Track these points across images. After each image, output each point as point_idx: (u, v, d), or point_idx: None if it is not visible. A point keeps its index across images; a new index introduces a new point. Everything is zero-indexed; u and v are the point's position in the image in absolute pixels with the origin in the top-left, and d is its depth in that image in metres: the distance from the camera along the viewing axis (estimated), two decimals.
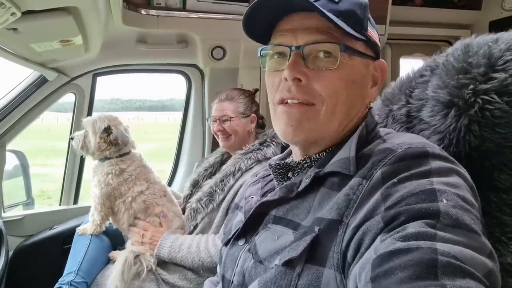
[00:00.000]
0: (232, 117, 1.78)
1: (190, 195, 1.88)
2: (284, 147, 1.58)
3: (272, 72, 0.78)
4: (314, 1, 0.70)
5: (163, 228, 1.71)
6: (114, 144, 1.78)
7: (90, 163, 1.91)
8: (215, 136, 1.87)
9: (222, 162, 1.92)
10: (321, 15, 0.67)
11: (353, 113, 0.76)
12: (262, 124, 1.91)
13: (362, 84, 0.76)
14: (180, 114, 2.74)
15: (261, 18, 0.75)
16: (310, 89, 0.72)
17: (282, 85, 0.75)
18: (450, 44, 0.88)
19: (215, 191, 1.68)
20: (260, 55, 0.80)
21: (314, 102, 0.72)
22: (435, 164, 0.61)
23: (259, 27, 0.78)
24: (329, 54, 0.71)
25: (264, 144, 1.73)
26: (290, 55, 0.72)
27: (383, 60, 0.80)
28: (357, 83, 0.74)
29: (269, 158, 1.64)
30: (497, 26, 2.58)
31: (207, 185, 1.74)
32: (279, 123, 0.77)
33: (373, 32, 0.77)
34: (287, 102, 0.74)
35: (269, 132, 1.80)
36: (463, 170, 0.63)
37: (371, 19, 0.78)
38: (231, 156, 1.86)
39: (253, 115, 1.81)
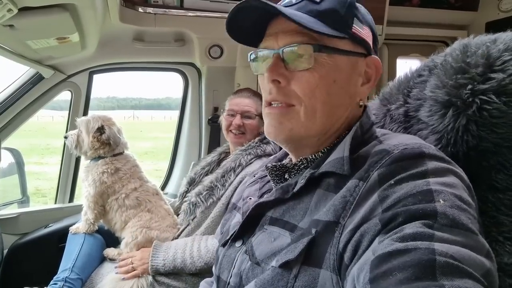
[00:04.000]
0: (253, 114, 1.78)
1: (186, 193, 1.87)
2: None
3: (261, 75, 0.79)
4: (296, 3, 0.73)
5: (148, 248, 1.66)
6: (106, 143, 1.79)
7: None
8: (225, 129, 1.85)
9: (220, 161, 1.92)
10: (286, 19, 0.68)
11: (339, 112, 0.76)
12: None
13: (347, 83, 0.76)
14: (176, 113, 2.73)
15: (246, 22, 0.76)
16: (288, 91, 0.74)
17: (267, 88, 0.77)
18: (447, 44, 0.89)
19: (216, 186, 1.67)
20: (250, 59, 0.81)
21: (293, 103, 0.74)
22: (432, 164, 0.61)
23: (249, 33, 0.79)
24: (303, 55, 0.72)
25: (264, 141, 1.74)
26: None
27: (376, 56, 0.79)
28: (340, 82, 0.74)
29: (268, 154, 1.64)
30: (493, 27, 2.60)
31: (208, 179, 1.74)
32: (265, 124, 0.80)
33: (361, 29, 0.76)
34: (271, 104, 0.77)
35: None
36: (459, 170, 0.63)
37: (364, 16, 0.78)
38: (229, 154, 1.86)
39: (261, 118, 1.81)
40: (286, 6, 0.75)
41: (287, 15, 0.67)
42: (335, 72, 0.73)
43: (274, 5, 0.69)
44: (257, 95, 1.86)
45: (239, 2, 0.71)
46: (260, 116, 1.81)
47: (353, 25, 0.74)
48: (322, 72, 0.72)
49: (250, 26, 0.77)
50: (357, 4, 0.77)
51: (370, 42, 0.78)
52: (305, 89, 0.72)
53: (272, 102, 0.76)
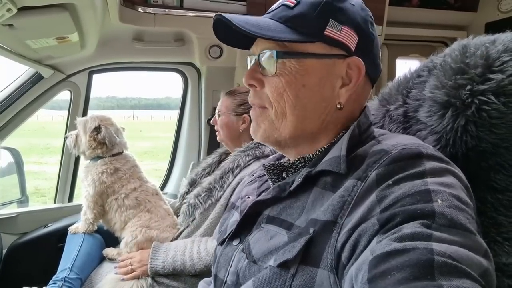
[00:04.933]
0: (221, 112, 1.79)
1: (187, 193, 1.87)
2: None
3: None
4: (273, 10, 0.77)
5: (147, 249, 1.66)
6: (103, 143, 1.80)
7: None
8: None
9: (220, 162, 1.92)
10: (239, 30, 0.71)
11: (313, 115, 0.76)
12: None
13: (321, 86, 0.74)
14: (175, 113, 2.73)
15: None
16: (262, 94, 0.78)
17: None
18: (446, 45, 0.89)
19: (214, 187, 1.67)
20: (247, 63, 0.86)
21: (266, 105, 0.78)
22: (429, 164, 0.61)
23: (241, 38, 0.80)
24: (270, 61, 0.75)
25: None
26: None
27: (357, 57, 0.75)
28: (310, 86, 0.73)
29: (267, 155, 1.63)
30: (493, 27, 2.61)
31: (206, 181, 1.74)
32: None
33: (338, 31, 0.73)
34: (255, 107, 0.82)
35: None
36: (457, 170, 0.63)
37: (349, 15, 0.74)
38: (229, 155, 1.86)
39: (246, 115, 1.77)
40: (267, 13, 0.79)
41: (237, 25, 0.70)
42: (303, 77, 0.73)
43: (229, 18, 0.72)
44: (233, 93, 1.84)
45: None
46: (231, 112, 1.79)
47: (328, 27, 0.72)
48: (289, 77, 0.73)
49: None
50: (344, 4, 0.75)
51: (352, 43, 0.74)
52: (274, 93, 0.75)
53: (252, 105, 0.82)
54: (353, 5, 0.76)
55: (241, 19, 0.72)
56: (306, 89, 0.74)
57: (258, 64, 0.77)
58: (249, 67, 0.83)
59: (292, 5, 0.74)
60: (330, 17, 0.73)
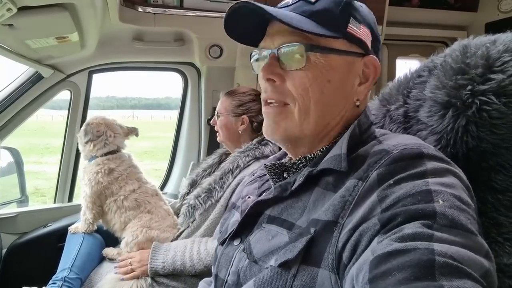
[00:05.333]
0: (220, 113, 1.79)
1: (187, 194, 1.87)
2: None
3: (259, 74, 0.80)
4: (292, 4, 0.75)
5: (147, 250, 1.66)
6: (89, 140, 1.82)
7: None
8: None
9: (220, 163, 1.91)
10: (275, 19, 0.70)
11: (334, 112, 0.77)
12: (257, 127, 1.82)
13: (343, 82, 0.76)
14: (175, 113, 2.73)
15: (249, 24, 0.77)
16: (282, 89, 0.75)
17: (263, 87, 0.79)
18: (447, 45, 0.89)
19: (214, 188, 1.67)
20: (252, 59, 0.83)
21: (288, 101, 0.76)
22: (431, 164, 0.61)
23: (251, 32, 0.80)
24: (296, 54, 0.73)
25: (262, 143, 1.73)
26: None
27: (374, 56, 0.79)
28: (334, 82, 0.74)
29: (267, 156, 1.63)
30: (493, 27, 2.60)
31: (206, 182, 1.73)
32: (263, 123, 0.82)
33: (358, 29, 0.75)
34: (269, 103, 0.79)
35: None
36: (458, 171, 0.63)
37: (364, 15, 0.77)
38: (229, 156, 1.85)
39: (245, 116, 1.76)
40: (282, 7, 0.76)
41: (275, 15, 0.68)
42: (328, 72, 0.73)
43: (261, 6, 0.70)
44: (232, 94, 1.83)
45: (232, 4, 0.72)
46: (230, 113, 1.78)
47: (349, 24, 0.74)
48: (315, 72, 0.73)
49: (252, 26, 0.78)
50: (357, 4, 0.77)
51: (368, 42, 0.78)
52: (298, 88, 0.74)
53: (269, 101, 0.78)
54: (362, 6, 0.79)
55: (271, 10, 0.71)
56: (330, 85, 0.74)
57: (275, 58, 0.75)
58: (253, 63, 0.82)
59: (313, 0, 0.74)
60: (351, 15, 0.74)
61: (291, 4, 0.75)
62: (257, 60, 0.81)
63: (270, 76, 0.75)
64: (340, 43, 0.74)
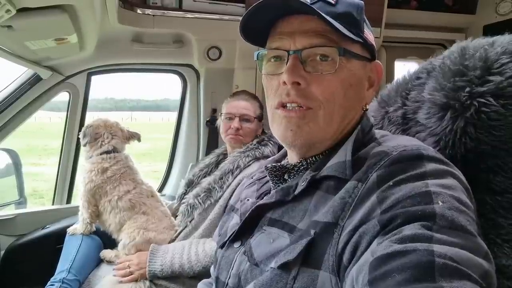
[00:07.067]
0: (250, 117, 1.79)
1: (184, 194, 1.87)
2: (280, 147, 1.59)
3: (270, 75, 0.78)
4: (312, 4, 0.70)
5: (145, 252, 1.65)
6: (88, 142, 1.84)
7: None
8: (223, 132, 1.85)
9: (218, 163, 1.92)
10: (321, 19, 0.68)
11: (350, 116, 0.77)
12: (262, 130, 1.90)
13: (359, 87, 0.76)
14: (174, 114, 2.73)
15: (259, 19, 0.75)
16: (308, 93, 0.72)
17: (280, 89, 0.74)
18: (445, 47, 0.89)
19: (214, 187, 1.67)
20: (257, 58, 0.80)
21: (312, 106, 0.72)
22: (430, 166, 0.61)
23: (256, 29, 0.78)
24: (327, 58, 0.71)
25: (262, 143, 1.73)
26: (288, 59, 0.72)
27: (378, 62, 0.80)
28: (354, 86, 0.74)
29: (266, 156, 1.64)
30: (491, 30, 2.61)
31: (205, 181, 1.73)
32: (278, 127, 0.77)
33: (369, 34, 0.77)
34: (285, 106, 0.74)
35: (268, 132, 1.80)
36: (457, 172, 0.64)
37: (367, 20, 0.78)
38: (227, 156, 1.85)
39: (259, 121, 1.83)
40: None
41: (324, 16, 0.67)
42: (351, 77, 0.73)
43: (309, 4, 0.68)
44: (254, 97, 1.86)
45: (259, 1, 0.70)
46: (258, 118, 1.81)
47: (364, 29, 0.75)
48: (342, 76, 0.72)
49: (262, 25, 0.76)
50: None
51: (374, 47, 0.79)
52: (325, 92, 0.71)
53: (288, 104, 0.74)
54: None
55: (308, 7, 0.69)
56: (351, 89, 0.74)
57: (299, 60, 0.71)
58: (266, 64, 0.79)
59: (333, 2, 0.72)
60: (364, 20, 0.75)
61: (310, 4, 0.70)
62: (266, 59, 0.78)
63: (296, 79, 0.71)
64: (357, 48, 0.74)
